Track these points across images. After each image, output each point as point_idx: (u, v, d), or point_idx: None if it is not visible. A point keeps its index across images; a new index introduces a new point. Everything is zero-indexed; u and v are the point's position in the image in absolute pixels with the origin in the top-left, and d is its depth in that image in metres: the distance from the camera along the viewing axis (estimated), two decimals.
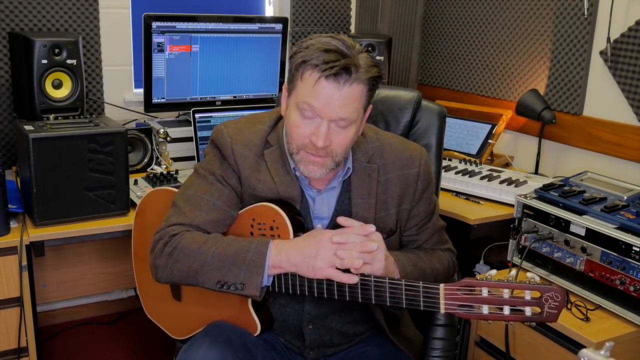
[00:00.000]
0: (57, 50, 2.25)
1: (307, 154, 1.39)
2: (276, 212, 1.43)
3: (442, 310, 1.31)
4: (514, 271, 1.33)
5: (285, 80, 1.45)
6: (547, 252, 1.96)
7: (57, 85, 2.29)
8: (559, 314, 1.25)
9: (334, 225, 1.49)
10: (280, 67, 2.91)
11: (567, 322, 1.74)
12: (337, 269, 1.35)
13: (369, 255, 1.36)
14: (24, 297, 1.95)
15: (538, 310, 1.26)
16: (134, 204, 2.08)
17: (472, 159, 2.58)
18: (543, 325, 1.80)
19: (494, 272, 1.31)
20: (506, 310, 1.27)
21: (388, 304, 1.36)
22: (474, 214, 2.18)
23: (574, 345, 1.72)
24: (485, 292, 1.28)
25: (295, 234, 1.42)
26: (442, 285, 1.31)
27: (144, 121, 2.72)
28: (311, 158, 1.39)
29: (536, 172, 2.60)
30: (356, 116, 1.37)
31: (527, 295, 1.26)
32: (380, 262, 1.37)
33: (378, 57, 2.91)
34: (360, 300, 1.38)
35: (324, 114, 1.33)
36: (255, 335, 1.50)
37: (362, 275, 1.36)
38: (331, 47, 1.32)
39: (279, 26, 2.84)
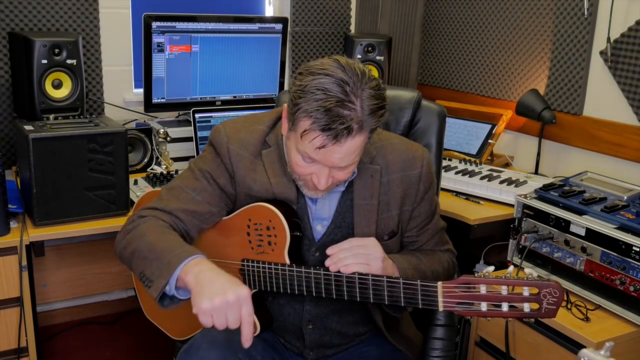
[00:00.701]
0: (57, 50, 2.25)
1: (309, 184, 1.41)
2: (273, 213, 1.43)
3: (441, 308, 1.31)
4: (511, 267, 1.32)
5: (288, 101, 1.39)
6: (547, 252, 1.96)
7: (57, 85, 2.29)
8: (557, 309, 1.25)
9: (334, 226, 1.50)
10: (280, 67, 2.91)
11: (567, 322, 1.74)
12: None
13: (365, 256, 1.36)
14: (23, 297, 1.95)
15: (536, 306, 1.26)
16: (133, 204, 2.08)
17: (472, 159, 2.58)
18: (543, 325, 1.80)
19: (491, 268, 1.31)
20: (504, 307, 1.27)
21: (386, 302, 1.36)
22: (474, 214, 2.18)
23: (574, 345, 1.71)
24: (483, 289, 1.28)
25: (292, 234, 1.42)
26: (440, 283, 1.31)
27: (144, 121, 2.72)
28: (312, 187, 1.41)
29: (536, 172, 2.60)
30: (358, 158, 1.37)
31: (526, 291, 1.26)
32: (378, 263, 1.37)
33: (378, 57, 2.91)
34: (358, 299, 1.38)
35: (325, 164, 1.33)
36: (255, 335, 1.50)
37: (360, 274, 1.36)
38: (331, 102, 1.24)
39: (279, 26, 2.85)
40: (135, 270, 1.39)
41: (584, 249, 1.85)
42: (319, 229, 1.50)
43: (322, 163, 1.33)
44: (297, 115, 1.30)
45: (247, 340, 1.27)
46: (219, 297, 1.22)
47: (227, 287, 1.24)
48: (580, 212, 1.90)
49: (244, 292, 1.25)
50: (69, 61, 2.28)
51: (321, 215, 1.50)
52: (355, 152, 1.33)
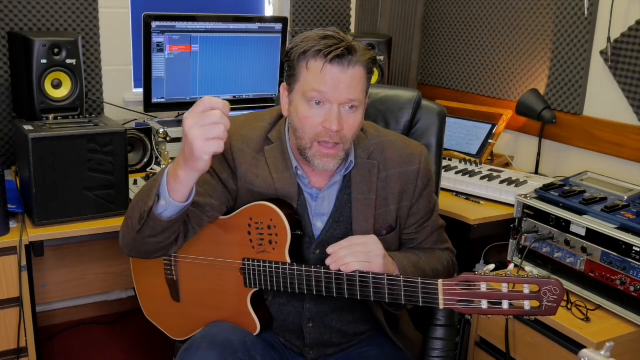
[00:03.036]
0: (56, 50, 2.25)
1: (321, 146, 1.39)
2: (274, 211, 1.43)
3: (441, 306, 1.31)
4: (512, 265, 1.32)
5: (283, 79, 1.45)
6: (548, 252, 1.96)
7: (57, 85, 2.29)
8: (557, 307, 1.25)
9: (333, 222, 1.50)
10: (280, 67, 2.91)
11: (567, 322, 1.74)
12: None
13: (366, 254, 1.36)
14: (23, 297, 1.95)
15: (537, 304, 1.26)
16: None
17: (472, 159, 2.58)
18: (543, 325, 1.80)
19: (492, 266, 1.31)
20: (505, 305, 1.27)
21: (387, 300, 1.36)
22: (474, 214, 2.18)
23: (574, 346, 1.71)
24: (484, 287, 1.28)
25: (293, 233, 1.42)
26: (440, 281, 1.31)
27: (144, 121, 2.72)
28: (324, 150, 1.39)
29: (536, 172, 2.59)
30: (362, 97, 1.39)
31: (526, 289, 1.26)
32: (379, 260, 1.37)
33: (378, 57, 2.90)
34: (359, 297, 1.38)
35: (333, 97, 1.34)
36: (255, 334, 1.50)
37: (361, 272, 1.36)
38: (328, 33, 1.35)
39: (278, 26, 2.84)
40: (136, 222, 1.35)
41: (584, 249, 1.84)
42: (319, 225, 1.50)
43: (330, 97, 1.34)
44: (297, 58, 1.37)
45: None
46: (191, 148, 1.20)
47: (185, 140, 1.22)
48: (580, 212, 1.90)
49: (185, 115, 1.22)
50: (68, 61, 2.27)
51: (321, 212, 1.50)
52: (359, 86, 1.36)
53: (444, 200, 2.24)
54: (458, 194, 2.38)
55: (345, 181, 1.50)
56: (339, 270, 1.37)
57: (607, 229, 1.79)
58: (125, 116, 2.75)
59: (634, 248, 1.71)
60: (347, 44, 1.33)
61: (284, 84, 1.44)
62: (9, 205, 1.95)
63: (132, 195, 2.13)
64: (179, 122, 2.73)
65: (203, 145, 1.20)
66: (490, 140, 2.68)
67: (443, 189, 2.32)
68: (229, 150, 1.49)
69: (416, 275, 1.44)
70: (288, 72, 1.41)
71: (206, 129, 1.20)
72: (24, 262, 1.93)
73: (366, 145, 1.51)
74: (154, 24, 2.54)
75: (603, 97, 2.39)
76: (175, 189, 1.29)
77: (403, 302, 1.35)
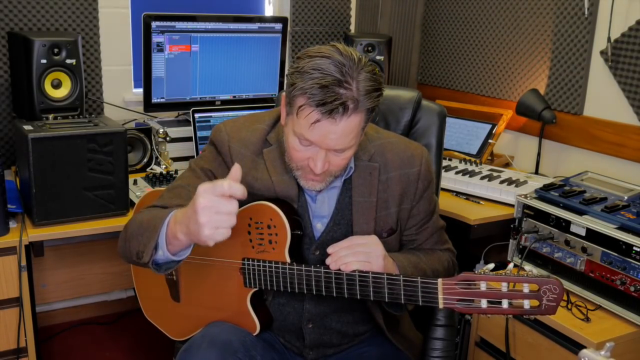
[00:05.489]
0: (56, 50, 2.25)
1: (306, 173, 1.40)
2: (273, 211, 1.42)
3: (441, 306, 1.31)
4: (511, 265, 1.32)
5: (285, 86, 1.43)
6: (548, 252, 1.96)
7: (57, 85, 2.29)
8: (557, 306, 1.25)
9: (333, 224, 1.50)
10: (280, 67, 2.91)
11: (567, 322, 1.73)
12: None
13: (366, 254, 1.36)
14: (23, 297, 1.95)
15: (536, 303, 1.26)
16: (133, 204, 2.08)
17: (472, 159, 2.58)
18: (543, 325, 1.80)
19: (491, 265, 1.31)
20: (505, 304, 1.27)
21: (386, 299, 1.36)
22: (474, 214, 2.18)
23: (574, 346, 1.71)
24: (483, 286, 1.28)
25: (293, 233, 1.42)
26: (440, 280, 1.31)
27: (144, 121, 2.72)
28: (309, 176, 1.40)
29: (536, 172, 2.59)
30: (354, 142, 1.36)
31: (526, 288, 1.26)
32: (379, 261, 1.37)
33: (378, 57, 2.90)
34: (358, 297, 1.38)
35: (321, 145, 1.33)
36: (255, 334, 1.50)
37: (360, 271, 1.36)
38: (327, 80, 1.25)
39: (278, 26, 2.84)
40: (133, 254, 1.38)
41: (584, 249, 1.84)
42: (319, 226, 1.50)
43: (318, 145, 1.32)
44: (293, 94, 1.30)
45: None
46: (197, 227, 1.20)
47: (191, 209, 1.22)
48: (580, 212, 1.90)
49: (197, 198, 1.21)
50: (68, 61, 2.27)
51: (321, 213, 1.50)
52: (351, 134, 1.32)
53: (444, 200, 2.24)
54: (458, 194, 2.38)
55: (345, 184, 1.50)
56: (339, 270, 1.37)
57: (607, 229, 1.79)
58: (125, 116, 2.75)
59: (634, 248, 1.71)
60: (344, 99, 1.25)
61: (284, 94, 1.40)
62: (9, 205, 1.94)
63: (132, 196, 2.13)
64: (179, 122, 2.74)
65: (212, 233, 1.20)
66: (490, 140, 2.68)
67: (443, 189, 2.32)
68: (227, 154, 1.48)
69: (416, 276, 1.44)
70: (287, 90, 1.35)
71: (219, 217, 1.20)
72: (23, 262, 1.93)
73: (367, 147, 1.51)
74: (154, 24, 2.54)
75: (603, 97, 2.39)
76: (173, 243, 1.30)
77: (403, 302, 1.35)
